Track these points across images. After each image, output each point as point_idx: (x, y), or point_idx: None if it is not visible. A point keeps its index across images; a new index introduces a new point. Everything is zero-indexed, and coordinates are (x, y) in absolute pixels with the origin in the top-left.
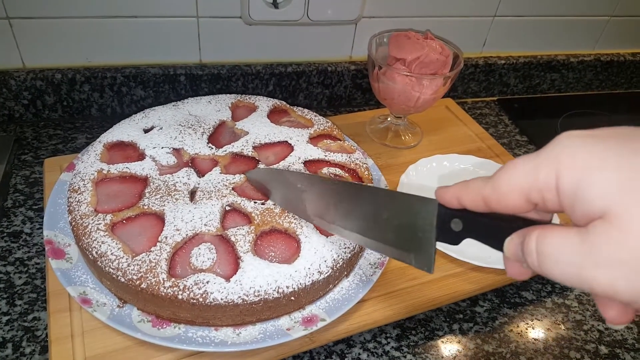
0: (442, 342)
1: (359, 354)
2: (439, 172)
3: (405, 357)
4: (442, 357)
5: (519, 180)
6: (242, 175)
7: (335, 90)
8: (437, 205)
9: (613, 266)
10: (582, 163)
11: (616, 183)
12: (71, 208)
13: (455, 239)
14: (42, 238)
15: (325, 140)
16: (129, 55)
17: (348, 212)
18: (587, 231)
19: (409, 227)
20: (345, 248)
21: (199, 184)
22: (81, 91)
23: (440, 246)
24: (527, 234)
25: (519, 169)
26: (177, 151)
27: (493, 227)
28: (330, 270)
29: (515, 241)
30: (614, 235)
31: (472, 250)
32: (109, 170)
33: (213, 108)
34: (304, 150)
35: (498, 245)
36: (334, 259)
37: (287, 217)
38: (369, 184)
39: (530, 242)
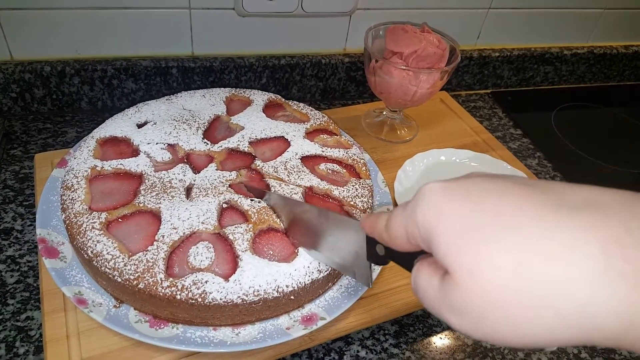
0: (440, 338)
1: (358, 351)
2: (435, 166)
3: (404, 354)
4: (441, 354)
5: (399, 230)
6: (238, 172)
7: (329, 82)
8: None
9: (459, 315)
10: (430, 222)
11: (453, 245)
12: (65, 206)
13: (382, 261)
14: (34, 235)
15: (321, 135)
16: (120, 48)
17: (300, 229)
18: (443, 279)
19: (348, 248)
20: None
21: (194, 180)
22: (71, 84)
23: None
24: (417, 262)
25: (397, 219)
26: (172, 147)
27: (406, 253)
28: (330, 269)
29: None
30: (457, 292)
31: None
32: (103, 167)
33: (207, 102)
34: (300, 146)
35: None
36: None
37: None
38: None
39: (412, 272)
